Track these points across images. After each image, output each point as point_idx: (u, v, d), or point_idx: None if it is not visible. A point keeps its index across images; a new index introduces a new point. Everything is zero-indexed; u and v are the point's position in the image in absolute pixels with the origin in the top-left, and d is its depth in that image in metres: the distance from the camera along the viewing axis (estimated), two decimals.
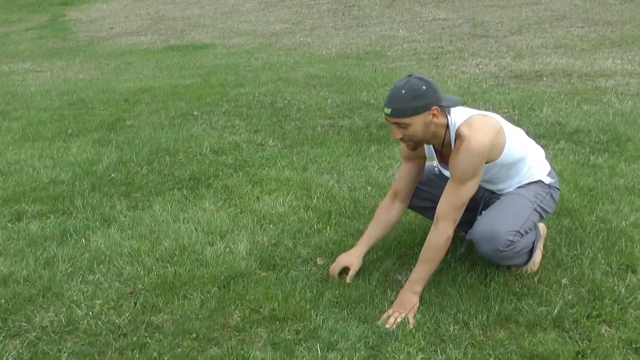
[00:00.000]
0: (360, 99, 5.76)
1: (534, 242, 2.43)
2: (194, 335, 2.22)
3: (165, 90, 6.59)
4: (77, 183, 3.79)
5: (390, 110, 2.22)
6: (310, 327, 2.23)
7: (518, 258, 2.40)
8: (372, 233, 2.60)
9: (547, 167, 2.54)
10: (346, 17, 12.49)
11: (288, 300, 2.39)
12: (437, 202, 2.34)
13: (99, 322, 2.30)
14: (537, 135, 4.40)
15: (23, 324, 2.32)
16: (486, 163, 2.29)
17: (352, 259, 2.54)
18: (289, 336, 2.20)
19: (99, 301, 2.45)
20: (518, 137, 2.43)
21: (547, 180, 2.49)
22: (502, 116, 2.48)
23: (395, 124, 2.25)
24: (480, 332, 2.19)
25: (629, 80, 6.18)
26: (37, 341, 2.22)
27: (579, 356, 2.05)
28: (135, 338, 2.21)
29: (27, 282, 2.60)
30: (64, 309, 2.39)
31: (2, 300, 2.47)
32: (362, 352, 2.10)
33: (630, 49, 7.97)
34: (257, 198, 3.44)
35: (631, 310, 2.27)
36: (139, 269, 2.68)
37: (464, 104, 2.42)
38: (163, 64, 9.05)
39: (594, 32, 9.37)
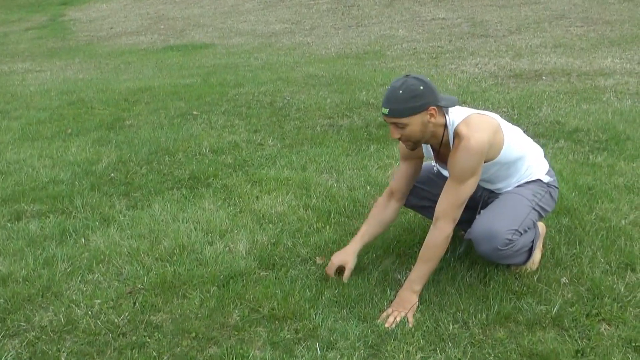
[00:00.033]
0: (359, 98, 5.76)
1: (533, 241, 2.43)
2: (193, 334, 2.22)
3: (165, 90, 6.59)
4: (76, 183, 3.79)
5: (387, 110, 2.22)
6: (310, 326, 2.23)
7: (517, 257, 2.40)
8: (367, 231, 2.59)
9: (545, 166, 2.54)
10: (345, 17, 12.50)
11: (287, 299, 2.39)
12: (436, 201, 2.34)
13: (98, 322, 2.30)
14: (537, 134, 4.41)
15: (22, 323, 2.32)
16: (485, 162, 2.29)
17: (347, 257, 2.53)
18: (289, 335, 2.20)
19: (98, 301, 2.45)
20: (516, 136, 2.43)
21: (546, 178, 2.49)
22: (501, 115, 2.48)
23: (393, 124, 2.25)
24: (480, 331, 2.19)
25: (628, 79, 6.19)
26: (36, 341, 2.21)
27: (579, 355, 2.05)
28: (134, 337, 2.21)
29: (26, 282, 2.60)
30: (63, 309, 2.39)
31: (1, 300, 2.47)
32: (362, 351, 2.10)
33: (629, 48, 7.97)
34: (257, 197, 3.44)
35: (630, 309, 2.27)
36: (138, 269, 2.68)
37: (463, 103, 2.42)
38: (163, 63, 9.05)
39: (593, 31, 9.37)
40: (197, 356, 2.11)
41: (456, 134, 2.26)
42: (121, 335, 2.24)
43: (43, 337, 2.23)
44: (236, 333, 2.22)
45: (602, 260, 2.61)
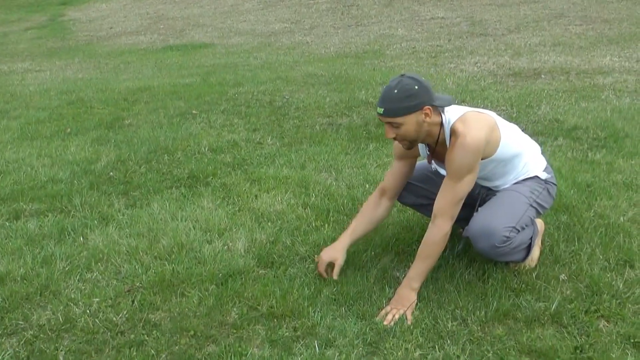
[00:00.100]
0: (358, 97, 5.75)
1: (531, 238, 2.43)
2: (192, 332, 2.22)
3: (164, 90, 6.59)
4: (75, 182, 3.79)
5: (382, 109, 2.22)
6: (308, 324, 2.23)
7: (515, 254, 2.40)
8: (357, 227, 2.58)
9: (543, 163, 2.54)
10: (345, 16, 12.50)
11: (286, 297, 2.39)
12: (433, 199, 2.33)
13: (97, 320, 2.30)
14: (535, 132, 4.41)
15: (20, 322, 2.32)
16: (482, 159, 2.29)
17: (336, 253, 2.52)
18: (287, 333, 2.20)
19: (97, 299, 2.45)
20: (513, 133, 2.42)
21: (543, 175, 2.49)
22: (500, 114, 2.48)
23: (388, 124, 2.25)
24: (479, 328, 2.19)
25: (627, 77, 6.18)
26: (34, 339, 2.22)
27: (578, 351, 2.05)
28: (132, 336, 2.21)
29: (25, 281, 2.60)
30: (62, 307, 2.39)
31: None
32: (360, 348, 2.10)
33: (627, 46, 7.97)
34: (256, 196, 3.44)
35: (629, 305, 2.27)
36: (136, 267, 2.68)
37: (462, 102, 2.42)
38: (162, 63, 9.05)
39: (591, 29, 9.37)
40: (196, 354, 2.11)
41: (453, 132, 2.26)
42: (119, 333, 2.23)
43: (41, 335, 2.23)
44: (235, 331, 2.22)
45: (601, 257, 2.61)
